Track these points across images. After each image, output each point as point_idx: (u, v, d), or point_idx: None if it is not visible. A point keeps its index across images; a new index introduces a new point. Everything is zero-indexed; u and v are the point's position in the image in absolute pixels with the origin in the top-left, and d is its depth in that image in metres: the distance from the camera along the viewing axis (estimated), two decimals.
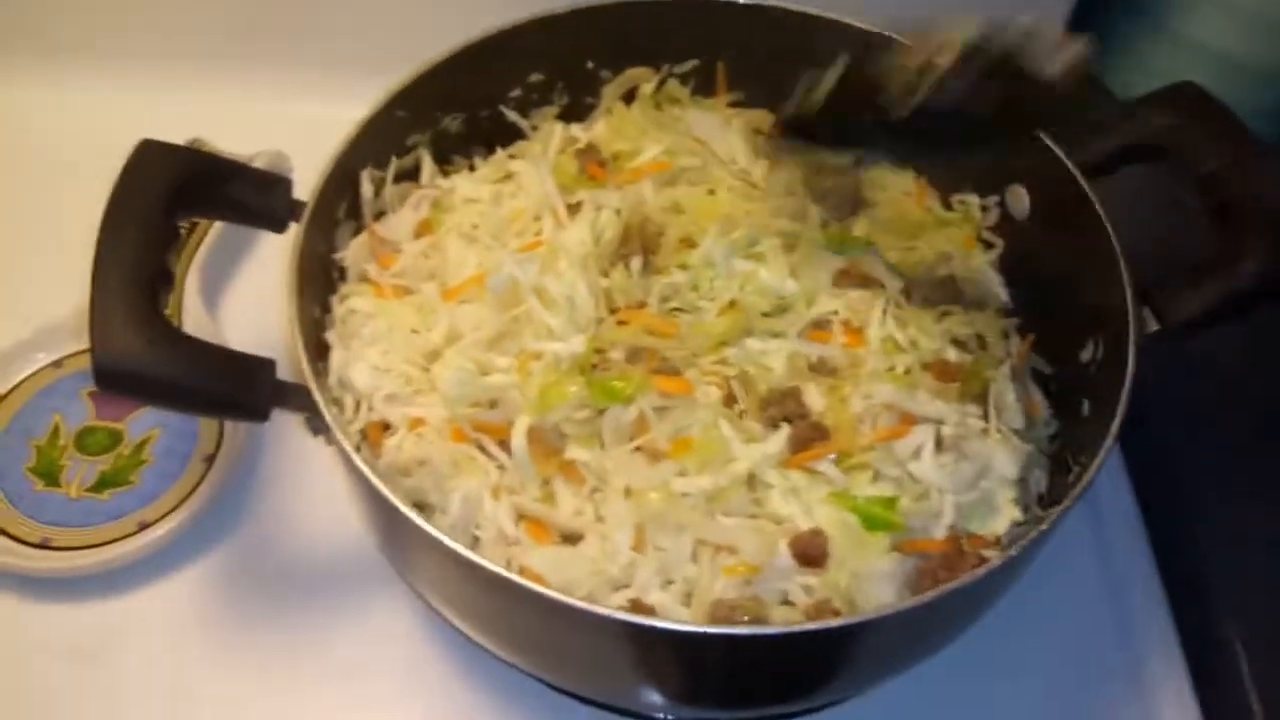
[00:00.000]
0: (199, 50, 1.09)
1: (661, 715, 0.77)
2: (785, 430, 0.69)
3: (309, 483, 0.86)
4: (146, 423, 0.88)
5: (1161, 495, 0.89)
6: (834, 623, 0.56)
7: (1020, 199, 0.81)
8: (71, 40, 1.09)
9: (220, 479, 0.84)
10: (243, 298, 0.98)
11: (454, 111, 0.84)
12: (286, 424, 0.87)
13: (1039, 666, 0.81)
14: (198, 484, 0.84)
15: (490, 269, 0.75)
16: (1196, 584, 0.84)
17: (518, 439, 0.68)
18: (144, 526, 0.81)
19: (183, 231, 0.69)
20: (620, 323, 0.74)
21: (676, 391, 0.70)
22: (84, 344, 0.87)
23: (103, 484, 0.84)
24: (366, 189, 0.80)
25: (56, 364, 0.90)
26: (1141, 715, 0.79)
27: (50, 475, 0.85)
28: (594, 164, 0.83)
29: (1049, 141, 0.76)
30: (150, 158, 0.67)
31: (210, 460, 0.85)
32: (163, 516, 0.82)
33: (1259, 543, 0.84)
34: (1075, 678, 0.81)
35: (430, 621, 0.80)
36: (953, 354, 0.76)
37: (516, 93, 0.87)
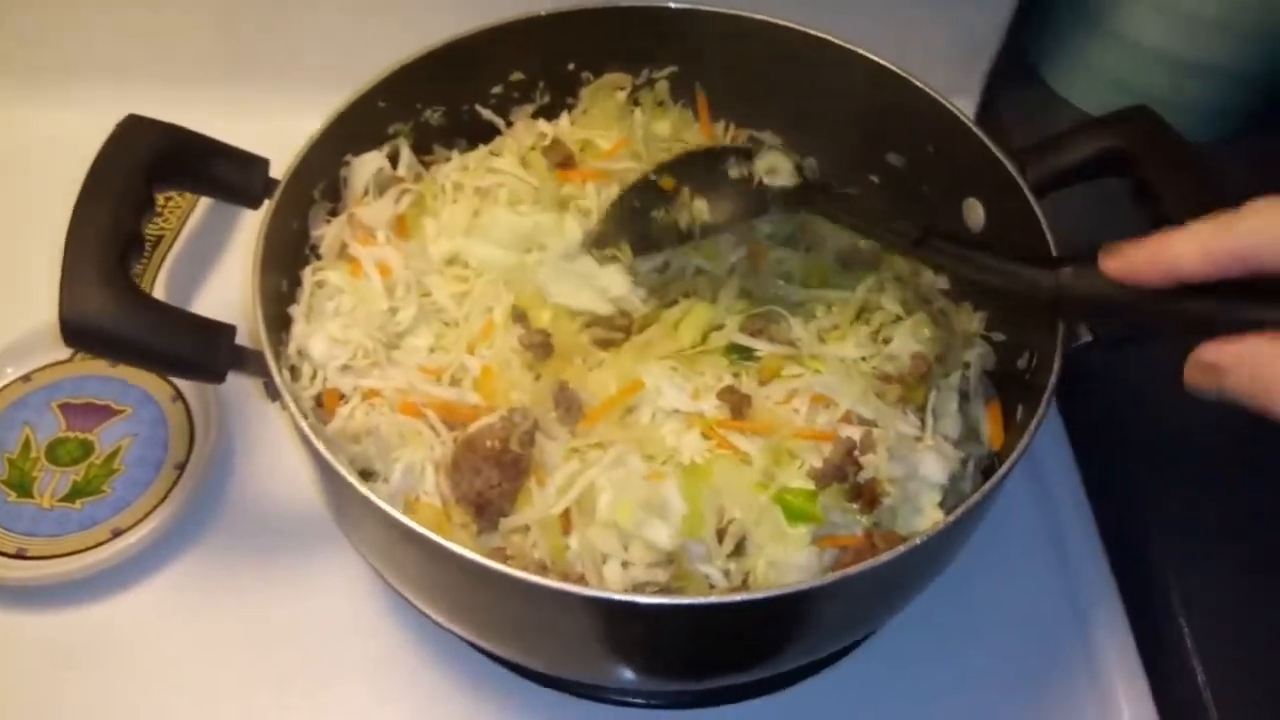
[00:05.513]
0: (176, 69, 1.09)
1: (612, 693, 0.79)
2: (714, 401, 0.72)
3: (280, 487, 0.88)
4: (117, 432, 0.88)
5: (1106, 472, 0.92)
6: (729, 597, 0.58)
7: (975, 211, 0.82)
8: (41, 61, 1.10)
9: (192, 485, 0.85)
10: (218, 275, 1.00)
11: (435, 104, 0.87)
12: (258, 428, 0.91)
13: (991, 635, 0.84)
14: (169, 491, 0.85)
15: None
16: (1141, 558, 0.87)
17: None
18: (117, 534, 0.82)
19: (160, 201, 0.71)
20: None
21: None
22: (54, 358, 0.91)
23: (75, 493, 0.85)
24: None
25: (25, 378, 0.91)
26: (1090, 680, 0.83)
27: (23, 486, 0.85)
28: (561, 160, 0.86)
29: (1002, 158, 0.78)
30: (134, 129, 0.71)
31: (181, 467, 0.86)
32: (136, 523, 0.83)
33: (1202, 515, 0.86)
34: (1025, 646, 0.84)
35: (405, 614, 0.81)
36: (892, 368, 0.77)
37: (498, 90, 0.90)
